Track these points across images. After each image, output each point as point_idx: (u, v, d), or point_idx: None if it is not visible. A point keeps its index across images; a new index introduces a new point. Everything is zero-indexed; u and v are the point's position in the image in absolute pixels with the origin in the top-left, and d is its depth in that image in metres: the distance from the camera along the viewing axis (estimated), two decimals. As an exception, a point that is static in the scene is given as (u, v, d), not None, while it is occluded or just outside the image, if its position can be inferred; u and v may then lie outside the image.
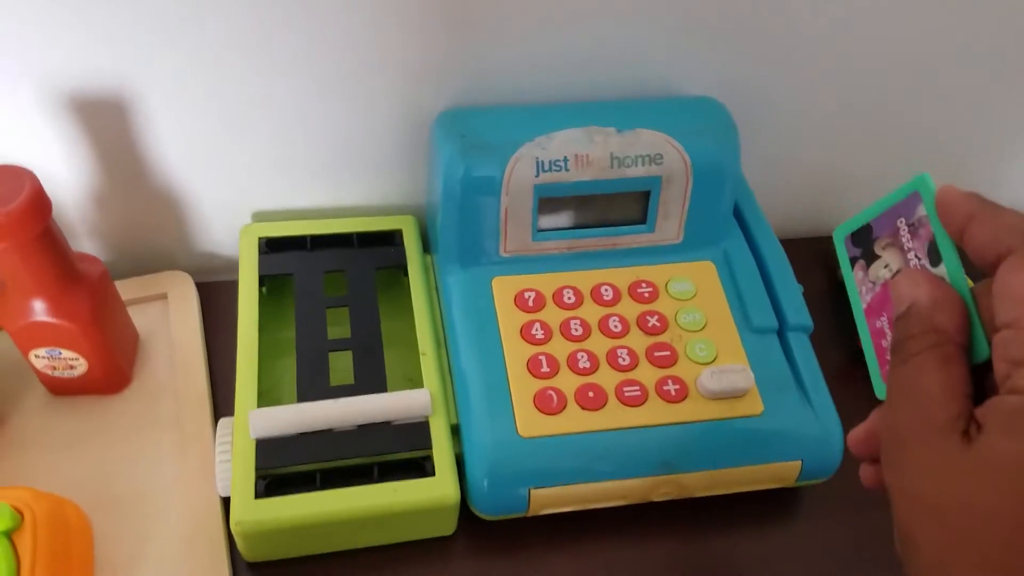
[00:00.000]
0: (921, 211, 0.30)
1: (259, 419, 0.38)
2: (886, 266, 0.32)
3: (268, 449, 0.37)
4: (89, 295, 0.39)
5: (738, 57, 0.45)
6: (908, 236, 0.31)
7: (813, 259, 0.54)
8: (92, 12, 0.37)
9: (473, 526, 0.40)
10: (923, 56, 0.48)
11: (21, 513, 0.34)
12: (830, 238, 0.53)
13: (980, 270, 0.26)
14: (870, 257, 0.33)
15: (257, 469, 0.37)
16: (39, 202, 0.35)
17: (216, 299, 0.48)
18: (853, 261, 0.34)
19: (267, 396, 0.41)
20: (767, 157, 0.51)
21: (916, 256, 0.30)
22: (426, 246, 0.48)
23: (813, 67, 0.47)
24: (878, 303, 0.32)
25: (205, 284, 0.48)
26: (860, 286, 0.33)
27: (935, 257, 0.29)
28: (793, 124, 0.50)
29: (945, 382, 0.25)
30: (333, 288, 0.44)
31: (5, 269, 0.36)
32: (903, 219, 0.31)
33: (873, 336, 0.32)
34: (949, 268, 0.29)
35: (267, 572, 0.38)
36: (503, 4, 0.40)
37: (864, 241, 0.33)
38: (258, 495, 0.36)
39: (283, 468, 0.37)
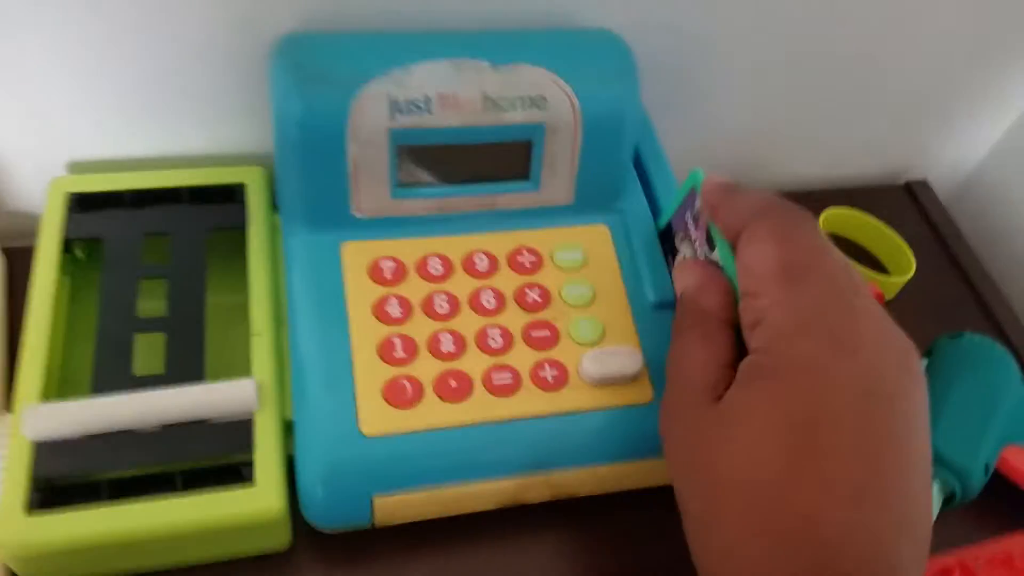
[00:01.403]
0: (698, 204, 0.32)
1: (36, 417, 0.30)
2: (683, 256, 0.34)
3: (48, 453, 0.30)
4: None
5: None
6: (693, 227, 0.33)
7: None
8: None
9: (315, 536, 0.33)
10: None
11: None
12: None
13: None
14: (674, 252, 0.36)
15: (33, 478, 0.30)
16: None
17: (26, 269, 0.40)
18: (665, 257, 0.37)
19: (69, 386, 0.34)
20: (682, 109, 0.45)
21: (699, 244, 0.33)
22: (277, 205, 0.40)
23: (744, 9, 0.41)
24: None
25: (14, 251, 0.40)
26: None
27: (711, 243, 0.32)
28: (716, 74, 0.44)
29: (705, 355, 0.28)
30: (155, 255, 0.37)
31: None
32: (689, 212, 0.33)
33: None
34: (720, 252, 0.31)
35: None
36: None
37: (668, 237, 0.36)
38: (30, 510, 0.29)
39: (68, 476, 0.30)
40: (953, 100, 0.51)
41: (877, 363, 0.25)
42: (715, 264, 0.31)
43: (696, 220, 0.33)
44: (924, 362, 0.40)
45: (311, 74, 0.33)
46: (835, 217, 0.48)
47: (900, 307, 0.44)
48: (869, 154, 0.53)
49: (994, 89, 0.50)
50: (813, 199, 0.48)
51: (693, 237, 0.33)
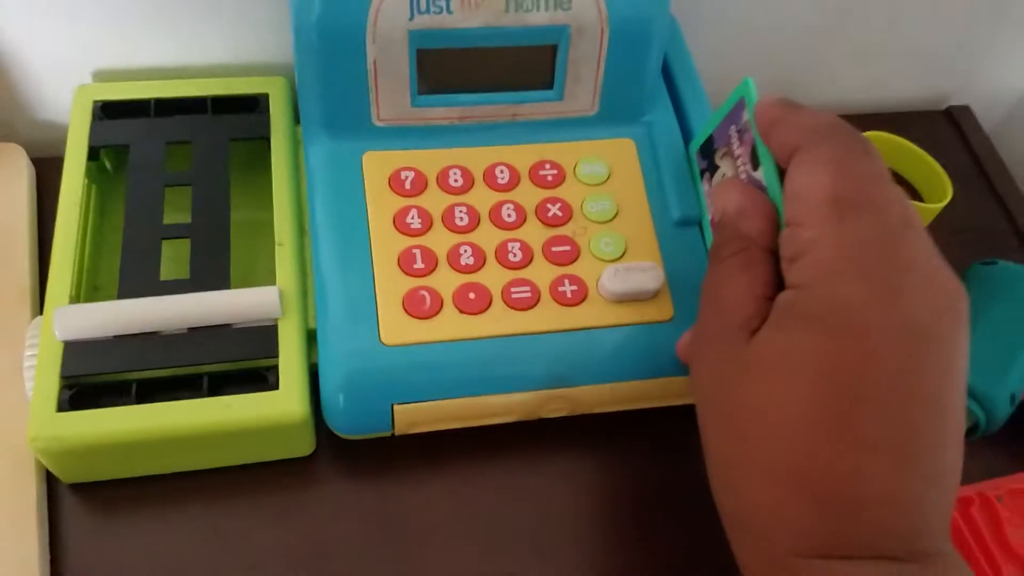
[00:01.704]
0: (745, 116, 0.30)
1: (66, 317, 0.31)
2: (724, 174, 0.32)
3: (77, 353, 0.31)
4: None
5: None
6: (737, 142, 0.31)
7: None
8: None
9: (338, 444, 0.34)
10: None
11: None
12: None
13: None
14: (713, 168, 0.33)
15: (62, 377, 0.31)
16: None
17: (56, 176, 0.40)
18: (703, 174, 0.34)
19: (99, 291, 0.35)
20: (714, 24, 0.43)
21: (741, 162, 0.30)
22: (299, 116, 0.40)
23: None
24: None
25: (45, 160, 0.41)
26: (707, 198, 0.34)
27: (756, 162, 0.29)
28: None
29: (745, 285, 0.26)
30: (178, 162, 0.37)
31: None
32: (734, 126, 0.31)
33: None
34: (765, 172, 0.29)
35: (91, 492, 0.33)
36: None
37: (708, 153, 0.34)
38: (60, 408, 0.30)
39: (95, 376, 0.31)
40: (1001, 24, 0.48)
41: (921, 308, 0.24)
42: (758, 185, 0.29)
43: (741, 135, 0.31)
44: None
45: (330, -28, 0.32)
46: (872, 141, 0.46)
47: (936, 233, 0.42)
48: (910, 76, 0.50)
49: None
50: (850, 121, 0.46)
51: (736, 153, 0.31)
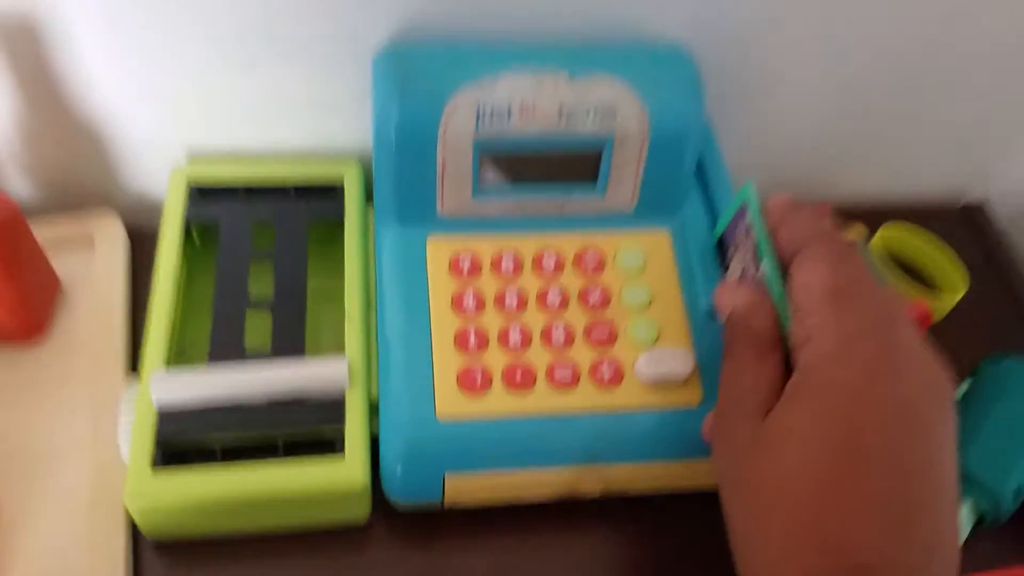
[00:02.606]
0: (748, 218, 0.34)
1: (161, 384, 0.35)
2: (731, 275, 0.36)
3: (171, 418, 0.35)
4: (-8, 241, 0.36)
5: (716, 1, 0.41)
6: (743, 241, 0.35)
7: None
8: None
9: (391, 515, 0.37)
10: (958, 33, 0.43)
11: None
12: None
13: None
14: (726, 264, 0.37)
15: (157, 440, 0.35)
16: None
17: (149, 245, 0.45)
18: (722, 268, 0.38)
19: (184, 356, 0.39)
20: (745, 120, 0.47)
21: (748, 260, 0.34)
22: (371, 197, 0.45)
23: (808, 24, 0.42)
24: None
25: (138, 230, 0.46)
26: None
27: (758, 260, 0.33)
28: (780, 87, 0.46)
29: (756, 373, 0.30)
30: (263, 240, 0.41)
31: None
32: (741, 225, 0.35)
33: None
34: (768, 268, 0.32)
35: (172, 550, 0.37)
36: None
37: (724, 248, 0.38)
38: (155, 466, 0.34)
39: (186, 439, 0.35)
40: (1018, 124, 0.51)
41: (912, 392, 0.27)
42: (762, 284, 0.33)
43: (745, 235, 0.35)
44: (967, 383, 0.42)
45: (409, 84, 0.37)
46: (892, 234, 0.49)
47: (950, 327, 0.46)
48: (929, 174, 0.54)
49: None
50: (870, 215, 0.50)
51: (743, 250, 0.35)
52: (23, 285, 0.39)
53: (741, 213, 0.35)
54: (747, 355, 0.31)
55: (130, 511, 0.34)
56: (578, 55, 0.38)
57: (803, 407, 0.28)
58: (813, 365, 0.28)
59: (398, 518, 0.37)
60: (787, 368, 0.30)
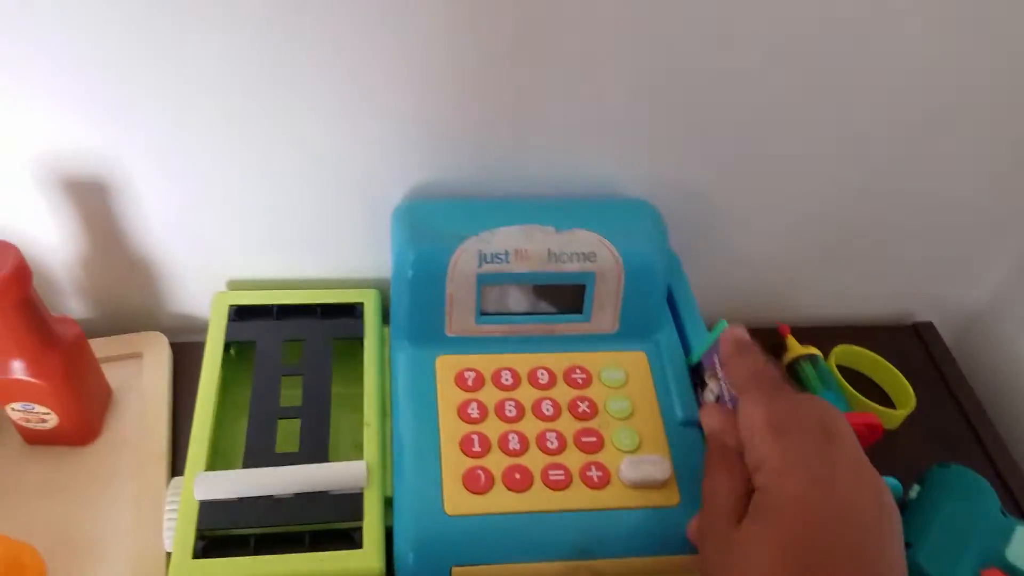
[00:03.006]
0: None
1: (203, 482, 0.41)
2: (711, 391, 0.44)
3: (210, 511, 0.40)
4: (63, 356, 0.42)
5: (676, 164, 0.49)
6: (719, 366, 0.42)
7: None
8: (84, 98, 0.41)
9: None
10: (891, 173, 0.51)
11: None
12: (774, 330, 0.56)
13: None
14: (703, 384, 0.45)
15: (198, 529, 0.40)
16: (20, 275, 0.38)
17: (190, 359, 0.51)
18: (695, 387, 0.46)
19: (222, 457, 0.44)
20: (708, 255, 0.54)
21: (723, 381, 0.41)
22: (387, 319, 0.51)
23: (757, 177, 0.50)
24: None
25: (180, 344, 0.52)
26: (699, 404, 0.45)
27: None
28: (734, 228, 0.53)
29: (730, 486, 0.35)
30: (293, 355, 0.47)
31: (-13, 331, 0.40)
32: (716, 354, 0.42)
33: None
34: None
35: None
36: (466, 118, 0.44)
37: (698, 371, 0.46)
38: (195, 556, 0.39)
39: (223, 530, 0.40)
40: (963, 258, 0.58)
41: (853, 496, 0.32)
42: (736, 400, 0.39)
43: (721, 363, 0.42)
44: (916, 488, 0.47)
45: (422, 233, 0.44)
46: (845, 352, 0.55)
47: (903, 437, 0.51)
48: (881, 297, 0.60)
49: (996, 245, 0.58)
50: (826, 334, 0.56)
51: (719, 375, 0.42)
52: (83, 396, 0.45)
53: (715, 346, 0.42)
54: (721, 469, 0.36)
55: (172, 598, 0.39)
56: (561, 212, 0.46)
57: (762, 518, 0.33)
58: (767, 485, 0.34)
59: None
60: None
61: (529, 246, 0.44)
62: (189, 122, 0.43)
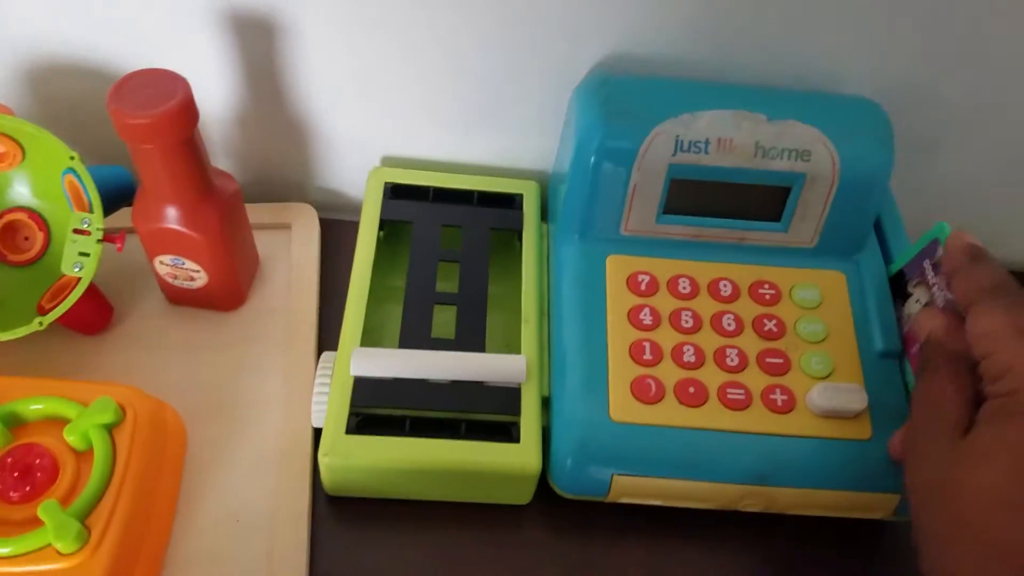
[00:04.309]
0: (940, 252, 0.36)
1: (361, 358, 0.38)
2: (916, 300, 0.39)
3: (365, 388, 0.38)
4: (219, 210, 0.40)
5: (911, 62, 0.42)
6: (932, 273, 0.37)
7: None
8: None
9: (549, 500, 0.39)
10: None
11: (124, 410, 0.36)
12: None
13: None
14: (904, 296, 0.40)
15: (351, 406, 0.37)
16: (188, 110, 0.36)
17: (337, 237, 0.48)
18: (898, 301, 0.40)
19: (371, 336, 0.42)
20: (918, 170, 0.48)
21: (938, 289, 0.37)
22: (544, 215, 0.47)
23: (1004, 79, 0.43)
24: (913, 333, 0.38)
25: (328, 221, 0.49)
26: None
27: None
28: (961, 145, 0.46)
29: (954, 391, 0.32)
30: (448, 242, 0.44)
31: (146, 171, 0.38)
32: (928, 260, 0.38)
33: (911, 359, 0.39)
34: None
35: (343, 506, 0.39)
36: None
37: (899, 283, 0.41)
38: (349, 431, 0.37)
39: (376, 409, 0.38)
40: None
41: None
42: (954, 304, 0.34)
43: (935, 267, 0.36)
44: None
45: (614, 110, 0.39)
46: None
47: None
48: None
49: None
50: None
51: (931, 282, 0.37)
52: (236, 258, 0.43)
53: (930, 249, 0.37)
54: (944, 375, 0.32)
55: (321, 467, 0.37)
56: (777, 98, 0.40)
57: (1008, 423, 0.29)
58: (1014, 389, 0.29)
59: (556, 502, 0.39)
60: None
61: (735, 135, 0.39)
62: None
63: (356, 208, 0.46)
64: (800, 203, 0.40)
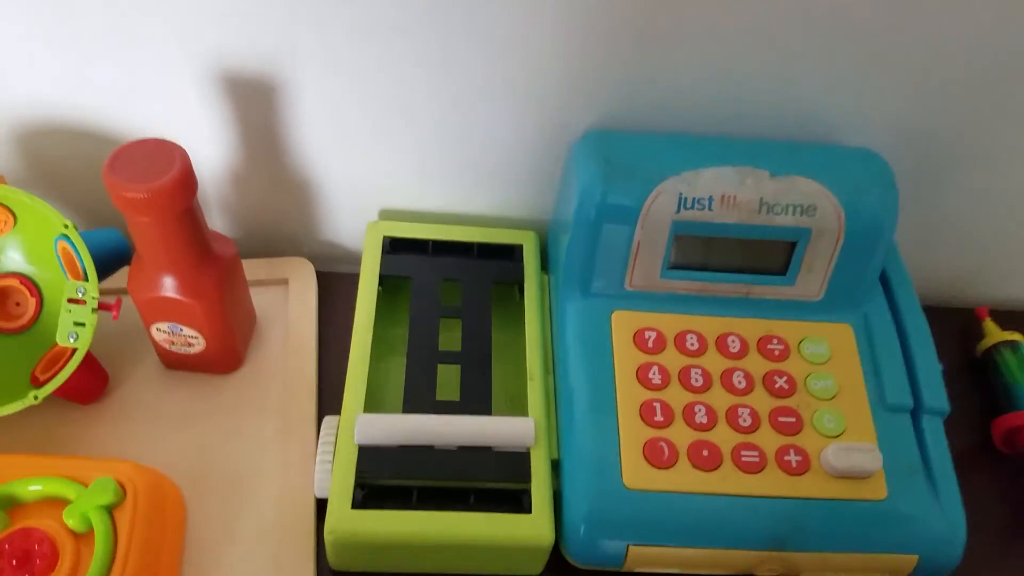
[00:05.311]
0: None
1: (366, 425, 0.37)
2: None
3: (370, 458, 0.37)
4: (218, 276, 0.39)
5: (910, 108, 0.42)
6: None
7: (953, 331, 0.50)
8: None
9: (561, 570, 0.38)
10: None
11: (124, 488, 0.35)
12: (970, 311, 0.50)
13: None
14: None
15: (357, 476, 0.36)
16: (186, 181, 0.35)
17: (334, 289, 0.48)
18: None
19: (373, 396, 0.41)
20: (920, 217, 0.47)
21: None
22: (544, 264, 0.46)
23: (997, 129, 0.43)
24: None
25: (325, 273, 0.48)
26: None
27: None
28: (964, 190, 0.46)
29: None
30: (449, 296, 0.43)
31: (143, 241, 0.37)
32: None
33: None
34: None
35: (349, 579, 0.38)
36: (673, 23, 0.38)
37: None
38: (355, 505, 0.36)
39: (384, 480, 0.37)
40: None
41: None
42: None
43: None
44: None
45: (616, 167, 0.39)
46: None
47: None
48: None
49: None
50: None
51: None
52: (234, 322, 0.42)
53: None
54: None
55: (327, 544, 0.36)
56: (779, 153, 0.40)
57: None
58: None
59: (568, 571, 0.38)
60: None
61: (739, 192, 0.38)
62: (366, 29, 0.39)
63: (353, 259, 0.45)
64: (806, 257, 0.40)
